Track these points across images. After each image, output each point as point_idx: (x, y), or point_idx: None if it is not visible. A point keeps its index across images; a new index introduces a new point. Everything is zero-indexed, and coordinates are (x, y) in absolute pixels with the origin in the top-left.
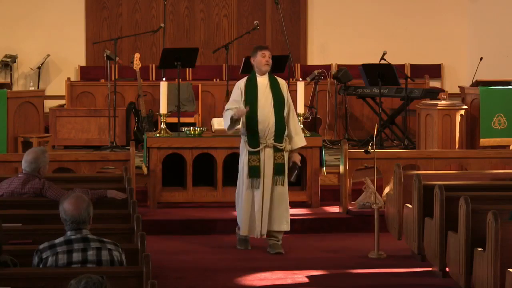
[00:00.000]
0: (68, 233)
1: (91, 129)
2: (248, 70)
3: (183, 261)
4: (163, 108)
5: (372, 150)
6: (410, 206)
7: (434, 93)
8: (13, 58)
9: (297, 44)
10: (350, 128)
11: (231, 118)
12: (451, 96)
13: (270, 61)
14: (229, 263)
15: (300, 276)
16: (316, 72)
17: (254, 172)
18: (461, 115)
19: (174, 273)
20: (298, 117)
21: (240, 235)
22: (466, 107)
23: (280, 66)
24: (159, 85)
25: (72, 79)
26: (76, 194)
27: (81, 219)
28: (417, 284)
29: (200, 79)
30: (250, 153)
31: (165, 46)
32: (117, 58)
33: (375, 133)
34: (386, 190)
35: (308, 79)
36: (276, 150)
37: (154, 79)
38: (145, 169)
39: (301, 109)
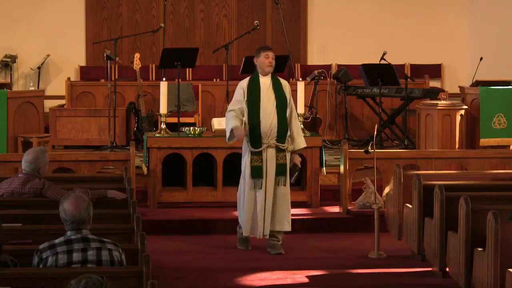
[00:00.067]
0: (68, 233)
1: (91, 129)
2: (248, 70)
3: (183, 261)
4: (163, 108)
5: (372, 150)
6: (410, 206)
7: (434, 93)
8: (13, 58)
9: (297, 44)
10: (350, 128)
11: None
12: (451, 96)
13: (273, 62)
14: (229, 263)
15: (300, 276)
16: (316, 72)
17: (257, 172)
18: (461, 115)
19: (174, 273)
20: (298, 117)
21: (241, 235)
22: (466, 107)
23: (280, 66)
24: (159, 85)
25: (72, 79)
26: (76, 194)
27: (81, 219)
28: (417, 284)
29: (200, 79)
30: (252, 153)
31: (165, 46)
32: (117, 58)
33: (375, 133)
34: (386, 190)
35: (308, 79)
36: (279, 150)
37: (154, 79)
38: (145, 169)
39: (301, 109)
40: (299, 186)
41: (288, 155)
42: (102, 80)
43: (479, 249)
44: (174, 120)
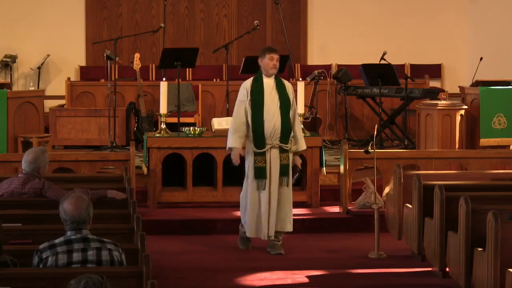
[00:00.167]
0: (68, 233)
1: (91, 129)
2: (248, 70)
3: (183, 261)
4: (163, 108)
5: (372, 150)
6: (410, 206)
7: (434, 93)
8: (13, 58)
9: (297, 44)
10: (350, 128)
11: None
12: (451, 96)
13: (278, 64)
14: (229, 263)
15: (300, 276)
16: (316, 72)
17: (260, 173)
18: (461, 115)
19: (174, 273)
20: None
21: (243, 233)
22: (466, 107)
23: (280, 66)
24: (159, 85)
25: (72, 79)
26: (76, 194)
27: (81, 219)
28: (417, 284)
29: (200, 79)
30: (256, 154)
31: (165, 46)
32: (117, 58)
33: (375, 133)
34: (386, 190)
35: (308, 79)
36: (282, 151)
37: (154, 79)
38: (145, 169)
39: (301, 109)
40: (299, 186)
41: (291, 156)
42: (102, 80)
43: (479, 249)
44: (174, 120)
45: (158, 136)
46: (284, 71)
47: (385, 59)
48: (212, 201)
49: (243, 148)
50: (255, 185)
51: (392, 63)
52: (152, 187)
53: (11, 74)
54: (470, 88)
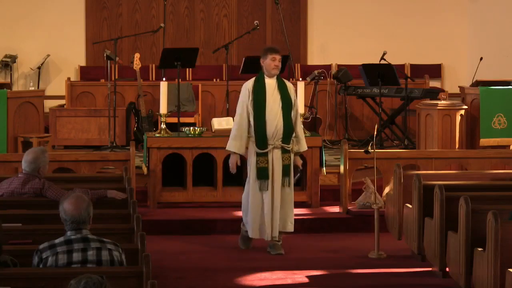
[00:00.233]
0: (68, 233)
1: (91, 129)
2: (248, 70)
3: (183, 261)
4: (163, 108)
5: (372, 150)
6: (410, 206)
7: (434, 93)
8: (13, 58)
9: (297, 44)
10: (350, 128)
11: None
12: (451, 96)
13: (280, 65)
14: (229, 263)
15: (300, 276)
16: (316, 72)
17: (263, 173)
18: (461, 115)
19: (174, 273)
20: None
21: (245, 232)
22: (466, 107)
23: (281, 66)
24: (159, 85)
25: (72, 79)
26: (76, 194)
27: (81, 219)
28: (417, 284)
29: (200, 79)
30: (258, 154)
31: (165, 46)
32: (117, 58)
33: (375, 133)
34: (386, 190)
35: (308, 79)
36: (284, 151)
37: (154, 79)
38: (145, 169)
39: (301, 109)
40: (299, 186)
41: (292, 156)
42: (102, 80)
43: (479, 249)
44: (174, 120)
45: (158, 136)
46: (284, 71)
47: (385, 59)
48: (212, 201)
49: (246, 148)
50: (257, 186)
51: (392, 63)
52: (152, 187)
53: (11, 74)
54: (470, 88)
